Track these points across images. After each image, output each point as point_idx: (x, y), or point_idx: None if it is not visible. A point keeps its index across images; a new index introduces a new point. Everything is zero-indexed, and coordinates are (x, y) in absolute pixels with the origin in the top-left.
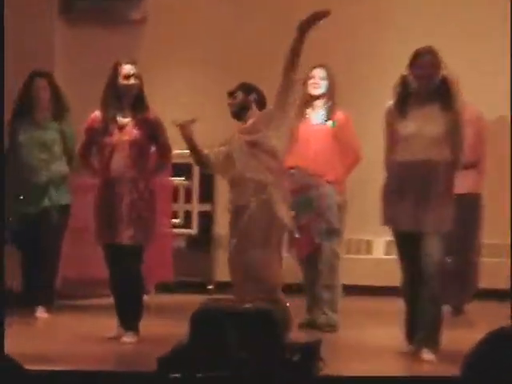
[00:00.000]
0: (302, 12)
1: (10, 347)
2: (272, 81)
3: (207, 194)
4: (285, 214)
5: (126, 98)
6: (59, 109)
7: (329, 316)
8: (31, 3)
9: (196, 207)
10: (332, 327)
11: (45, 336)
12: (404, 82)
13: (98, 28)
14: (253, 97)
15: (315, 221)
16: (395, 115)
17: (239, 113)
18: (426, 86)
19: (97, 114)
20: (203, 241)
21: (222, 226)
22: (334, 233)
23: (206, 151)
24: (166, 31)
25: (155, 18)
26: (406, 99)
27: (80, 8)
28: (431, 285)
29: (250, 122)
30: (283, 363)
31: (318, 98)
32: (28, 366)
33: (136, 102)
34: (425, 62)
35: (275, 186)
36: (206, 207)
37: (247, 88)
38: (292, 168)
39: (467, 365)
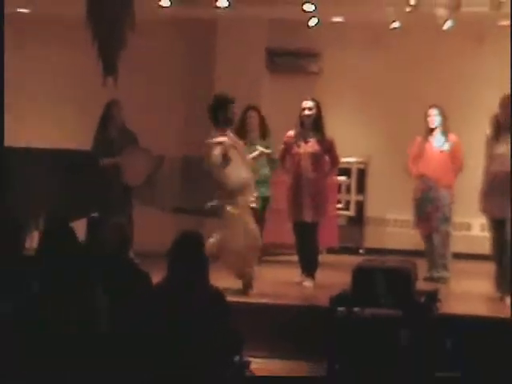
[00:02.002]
0: None
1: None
2: None
3: (361, 188)
4: None
5: (307, 123)
6: (264, 131)
7: (442, 273)
8: (246, 62)
9: (353, 197)
10: (444, 280)
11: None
12: (496, 120)
13: (289, 76)
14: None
15: (435, 211)
16: (492, 140)
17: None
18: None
19: (291, 132)
20: (358, 220)
21: (371, 210)
22: (447, 219)
23: None
24: (335, 81)
25: (329, 72)
26: (498, 130)
27: (279, 63)
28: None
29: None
30: (412, 304)
31: (434, 129)
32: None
33: (314, 125)
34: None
35: None
36: (360, 197)
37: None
38: (420, 176)
39: None
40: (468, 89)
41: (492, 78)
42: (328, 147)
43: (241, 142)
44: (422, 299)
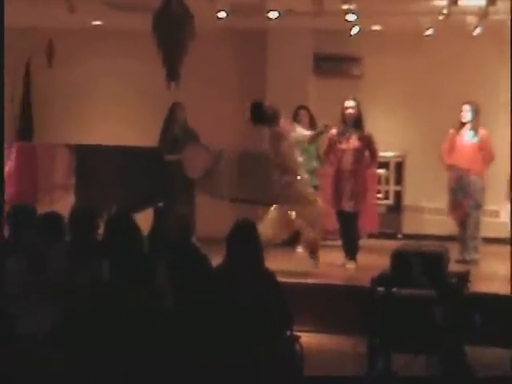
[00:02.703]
0: None
1: (280, 268)
2: None
3: (398, 180)
4: None
5: (349, 121)
6: (314, 128)
7: (473, 256)
8: (294, 67)
9: (392, 187)
10: (475, 262)
11: (300, 262)
12: None
13: (335, 79)
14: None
15: (467, 198)
16: None
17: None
18: None
19: (334, 130)
20: (396, 208)
21: (408, 199)
22: (478, 206)
23: None
24: (375, 83)
25: (370, 75)
26: None
27: (324, 67)
28: None
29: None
30: (446, 284)
31: (466, 123)
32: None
33: (355, 123)
34: None
35: None
36: (398, 188)
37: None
38: (452, 166)
39: None
40: (495, 89)
41: None
42: (367, 142)
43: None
44: (454, 280)
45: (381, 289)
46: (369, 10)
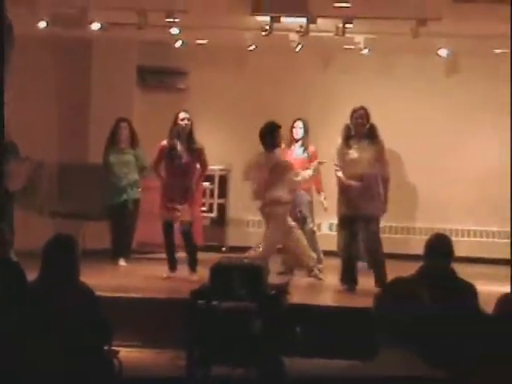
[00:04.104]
0: None
1: (101, 283)
2: None
3: (223, 193)
4: None
5: (183, 133)
6: (134, 141)
7: (314, 267)
8: (118, 80)
9: (216, 200)
10: (316, 274)
11: (123, 276)
12: (347, 129)
13: (159, 93)
14: None
15: (294, 212)
16: (343, 148)
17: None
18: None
19: (164, 142)
20: (220, 221)
21: (232, 212)
22: (305, 220)
23: None
24: (200, 97)
25: (195, 88)
26: (349, 138)
27: (149, 80)
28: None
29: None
30: (265, 296)
31: (298, 140)
32: (112, 294)
33: (188, 135)
34: (359, 114)
35: None
36: (222, 201)
37: None
38: None
39: None
40: (318, 104)
41: (340, 95)
42: (199, 155)
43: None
44: (274, 292)
45: (201, 302)
46: (193, 24)
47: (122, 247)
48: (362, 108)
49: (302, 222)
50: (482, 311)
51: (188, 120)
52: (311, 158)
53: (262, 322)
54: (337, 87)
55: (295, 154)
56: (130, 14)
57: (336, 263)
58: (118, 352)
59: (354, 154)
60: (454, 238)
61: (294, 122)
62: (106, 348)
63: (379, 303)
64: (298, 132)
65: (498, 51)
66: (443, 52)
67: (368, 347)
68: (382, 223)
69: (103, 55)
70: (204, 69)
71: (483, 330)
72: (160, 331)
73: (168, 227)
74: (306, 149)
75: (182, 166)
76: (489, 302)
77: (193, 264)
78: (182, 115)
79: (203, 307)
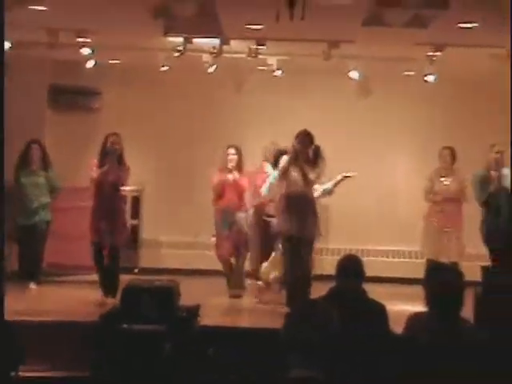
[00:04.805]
0: None
1: (12, 306)
2: None
3: (136, 214)
4: None
5: (113, 154)
6: (46, 163)
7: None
8: (27, 99)
9: (129, 222)
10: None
11: (34, 299)
12: (294, 150)
13: (73, 113)
14: None
15: (234, 235)
16: (288, 167)
17: None
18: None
19: (95, 161)
20: (133, 242)
21: (145, 233)
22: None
23: None
24: (114, 117)
25: (109, 108)
26: (295, 158)
27: (62, 100)
28: None
29: None
30: (175, 318)
31: (232, 166)
32: (23, 317)
33: (118, 156)
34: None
35: None
36: (135, 222)
37: None
38: (220, 204)
39: None
40: (232, 124)
41: (253, 116)
42: (126, 176)
43: None
44: (184, 313)
45: (110, 324)
46: (105, 44)
47: (32, 270)
48: (305, 131)
49: None
50: (391, 331)
51: (118, 143)
52: (248, 183)
53: (173, 344)
54: (250, 108)
55: (231, 178)
56: (41, 33)
57: None
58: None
59: (295, 173)
60: (365, 258)
61: (227, 148)
62: (12, 374)
63: (288, 324)
64: (233, 159)
65: (407, 73)
66: (355, 74)
67: (280, 368)
68: None
69: (14, 74)
70: (117, 89)
71: (392, 350)
72: (68, 355)
73: (96, 250)
74: (239, 173)
75: (110, 186)
76: (399, 322)
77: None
78: (111, 137)
79: (112, 330)
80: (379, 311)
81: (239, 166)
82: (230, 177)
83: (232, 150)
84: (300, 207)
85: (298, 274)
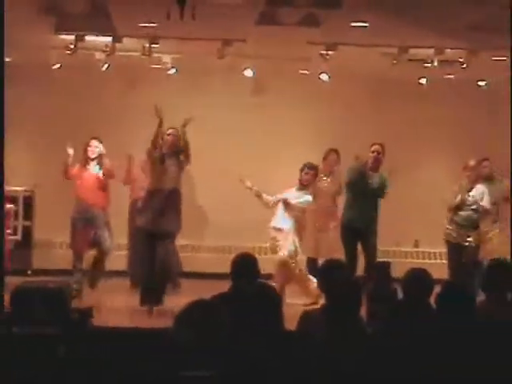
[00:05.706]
0: None
1: None
2: None
3: (28, 215)
4: None
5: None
6: None
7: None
8: None
9: (21, 222)
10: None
11: None
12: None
13: None
14: None
15: (91, 231)
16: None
17: None
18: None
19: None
20: (26, 243)
21: (38, 234)
22: (107, 237)
23: None
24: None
25: None
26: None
27: None
28: None
29: None
30: (68, 320)
31: (93, 159)
32: None
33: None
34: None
35: None
36: (28, 223)
37: None
38: (79, 198)
39: None
40: (125, 122)
41: (146, 113)
42: None
43: None
44: (76, 316)
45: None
46: None
47: None
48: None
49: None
50: (285, 329)
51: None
52: (107, 177)
53: (66, 346)
54: (144, 106)
55: (91, 171)
56: None
57: None
58: None
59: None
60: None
61: (90, 140)
62: None
63: (177, 325)
64: (94, 150)
65: (302, 72)
66: (249, 72)
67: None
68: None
69: None
70: (9, 87)
71: (286, 347)
72: None
73: None
74: (101, 167)
75: None
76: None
77: None
78: (93, 143)
79: (3, 333)
80: (275, 305)
81: (100, 159)
82: (89, 168)
83: (95, 142)
84: (158, 202)
85: (152, 270)
